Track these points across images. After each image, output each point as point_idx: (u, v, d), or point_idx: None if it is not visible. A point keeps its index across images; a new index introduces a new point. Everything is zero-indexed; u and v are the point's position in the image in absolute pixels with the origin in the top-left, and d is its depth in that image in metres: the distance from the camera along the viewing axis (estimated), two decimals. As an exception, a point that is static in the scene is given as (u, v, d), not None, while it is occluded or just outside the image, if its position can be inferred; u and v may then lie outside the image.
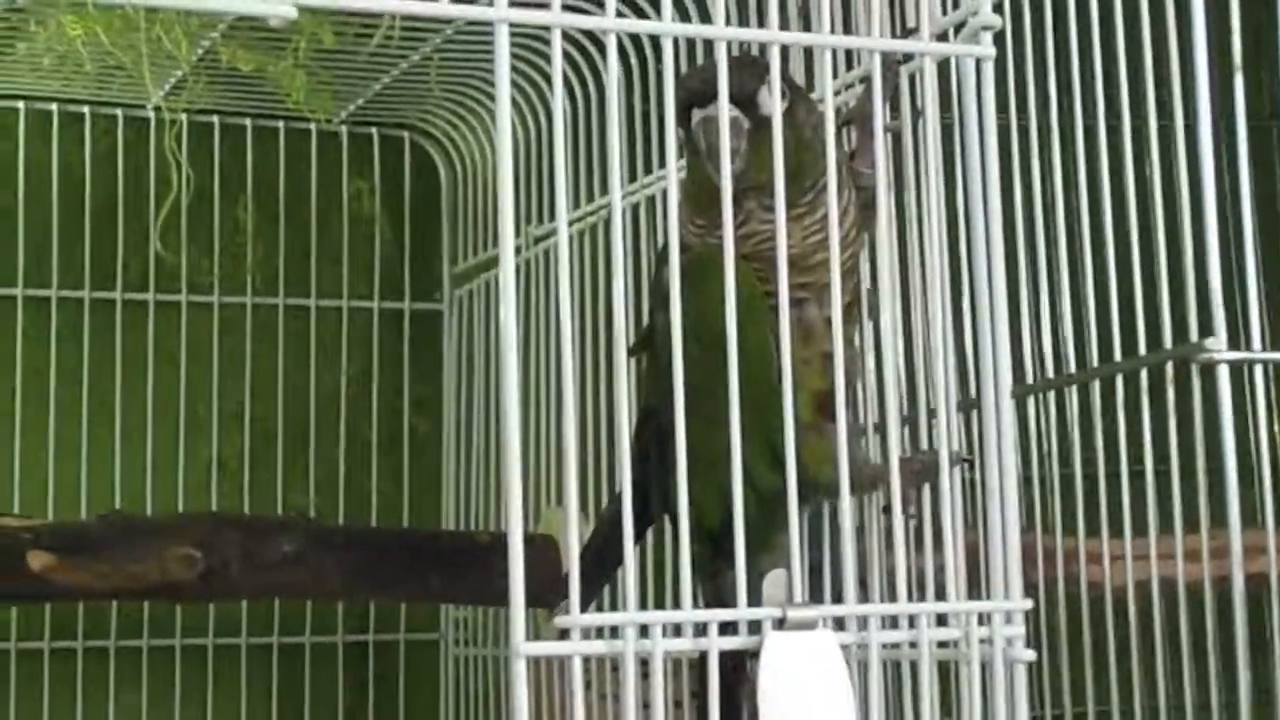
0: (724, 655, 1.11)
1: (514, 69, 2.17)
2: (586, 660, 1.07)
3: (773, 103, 1.17)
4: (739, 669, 1.24)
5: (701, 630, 1.10)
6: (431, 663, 2.39)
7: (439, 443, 2.43)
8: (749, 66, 1.25)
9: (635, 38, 1.86)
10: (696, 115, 1.21)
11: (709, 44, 1.33)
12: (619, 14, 1.13)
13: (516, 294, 2.22)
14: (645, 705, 1.87)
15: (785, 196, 1.14)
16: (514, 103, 2.26)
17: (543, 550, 1.81)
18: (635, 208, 1.93)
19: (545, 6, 1.10)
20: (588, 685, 1.91)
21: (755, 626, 1.12)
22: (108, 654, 2.26)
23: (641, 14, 1.62)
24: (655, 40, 1.72)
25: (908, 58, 1.34)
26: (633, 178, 1.93)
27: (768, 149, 1.16)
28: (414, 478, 2.42)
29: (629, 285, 1.78)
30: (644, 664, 1.73)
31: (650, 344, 1.41)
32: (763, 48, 1.23)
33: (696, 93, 1.22)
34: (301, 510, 2.24)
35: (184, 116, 2.29)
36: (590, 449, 1.90)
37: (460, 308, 2.43)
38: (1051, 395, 1.55)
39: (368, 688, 2.37)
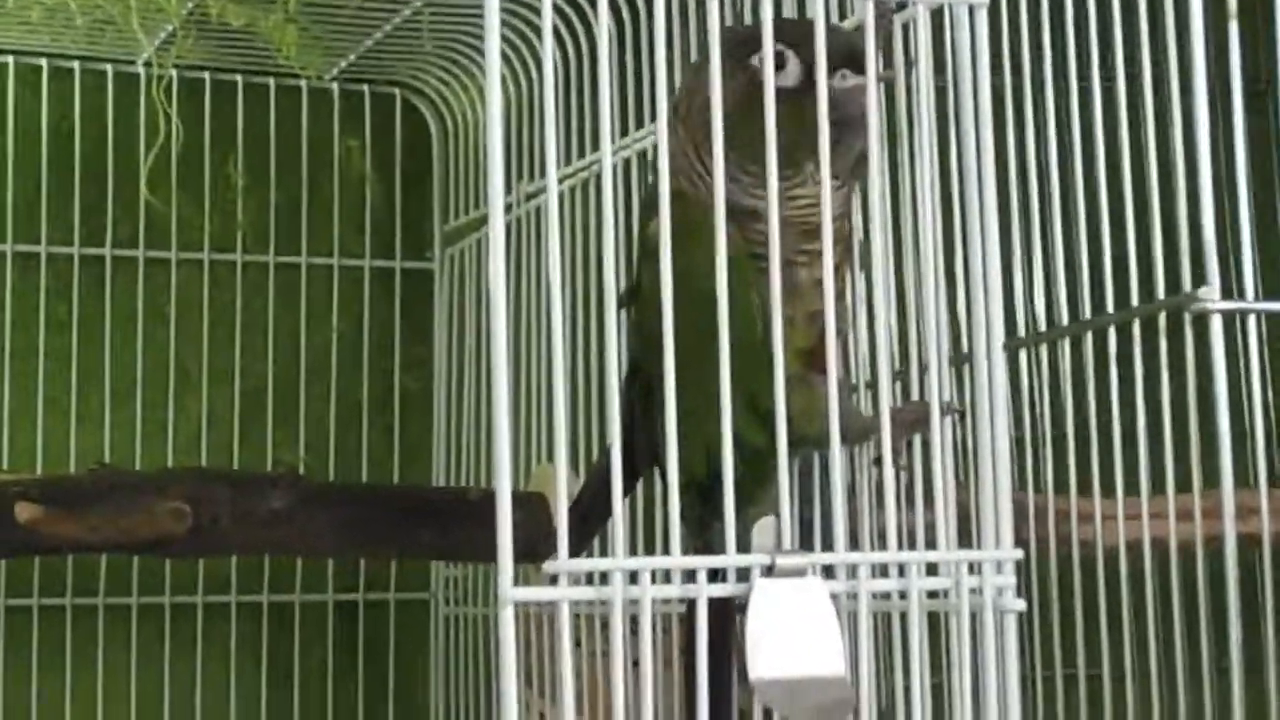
0: (713, 610, 1.10)
1: (504, 25, 2.16)
2: (576, 619, 1.07)
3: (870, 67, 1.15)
4: (728, 621, 1.23)
5: (690, 577, 1.10)
6: (422, 622, 2.40)
7: (430, 401, 2.42)
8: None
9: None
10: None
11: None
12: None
13: (508, 251, 2.22)
14: (635, 663, 1.88)
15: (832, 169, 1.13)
16: (505, 59, 2.25)
17: (532, 506, 1.80)
18: (626, 163, 1.92)
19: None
20: (578, 643, 1.91)
21: (744, 575, 1.11)
22: (96, 610, 2.26)
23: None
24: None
25: (901, 6, 1.33)
26: (623, 133, 1.92)
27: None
28: (404, 436, 2.42)
29: (620, 242, 1.77)
30: (633, 621, 1.73)
31: (636, 298, 1.40)
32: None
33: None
34: (291, 467, 2.24)
35: (174, 72, 2.27)
36: (581, 405, 1.89)
37: (452, 266, 2.43)
38: (1044, 348, 1.55)
39: (358, 646, 2.38)
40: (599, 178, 1.99)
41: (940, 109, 1.23)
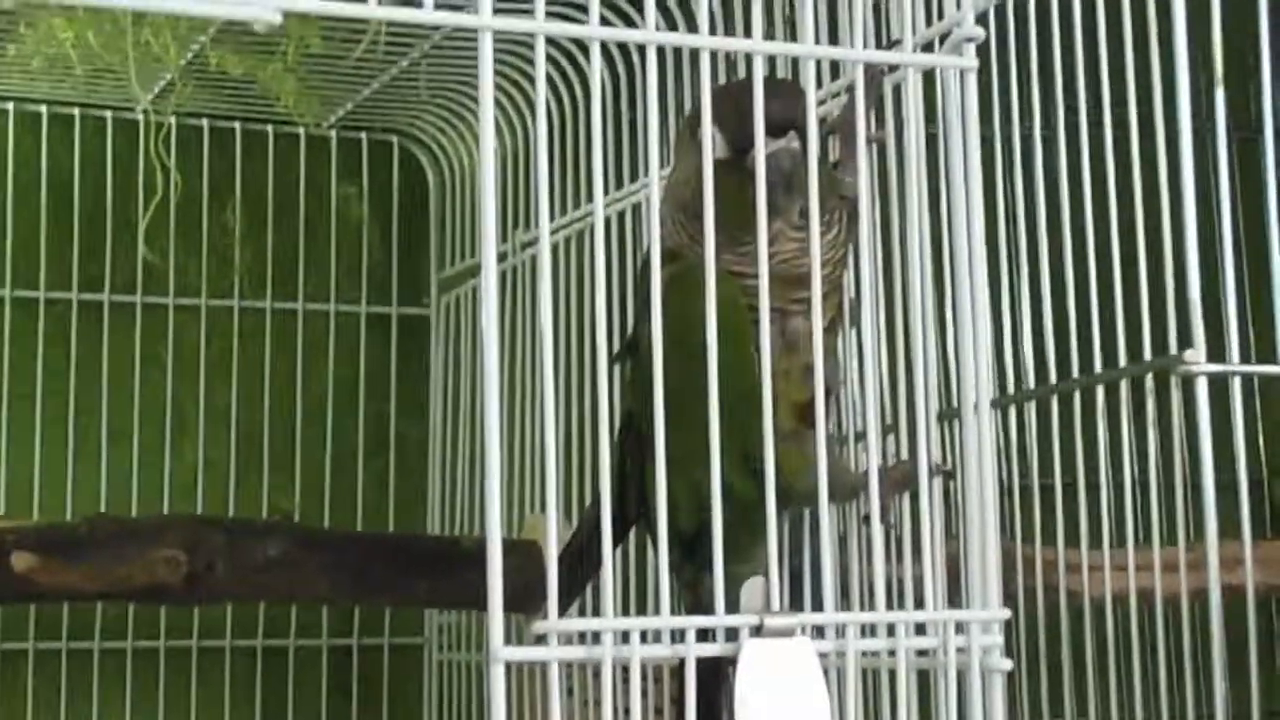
0: (703, 662, 1.11)
1: (499, 75, 2.18)
2: (569, 666, 1.08)
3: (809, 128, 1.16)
4: (719, 676, 1.24)
5: (679, 636, 1.11)
6: (415, 667, 2.40)
7: (425, 447, 2.43)
8: (801, 94, 1.24)
9: (619, 46, 1.87)
10: (770, 144, 1.19)
11: (693, 53, 1.33)
12: (603, 22, 1.14)
13: (502, 300, 2.24)
14: (626, 711, 1.88)
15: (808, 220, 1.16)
16: (500, 108, 2.26)
17: (525, 555, 1.81)
18: (620, 215, 1.94)
19: (530, 14, 1.10)
20: (570, 691, 1.92)
21: (733, 634, 1.12)
22: (91, 655, 2.26)
23: (627, 21, 1.62)
24: (640, 48, 1.73)
25: (892, 68, 1.35)
26: (617, 185, 1.93)
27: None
28: (399, 482, 2.43)
29: (612, 293, 1.79)
30: (625, 670, 1.73)
31: (634, 352, 1.42)
32: (747, 58, 1.23)
33: (774, 122, 1.19)
34: (287, 514, 2.25)
35: (173, 119, 2.29)
36: (574, 455, 1.90)
37: (447, 313, 2.44)
38: (1032, 406, 1.56)
39: (352, 692, 2.38)
40: (590, 231, 2.00)
41: (931, 160, 1.24)
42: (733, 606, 1.14)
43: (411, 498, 2.42)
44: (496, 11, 1.09)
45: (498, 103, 2.27)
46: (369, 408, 2.43)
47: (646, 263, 1.47)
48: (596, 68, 1.12)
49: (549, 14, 1.11)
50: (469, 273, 2.39)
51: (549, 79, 2.05)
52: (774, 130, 1.20)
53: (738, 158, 1.27)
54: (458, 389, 2.37)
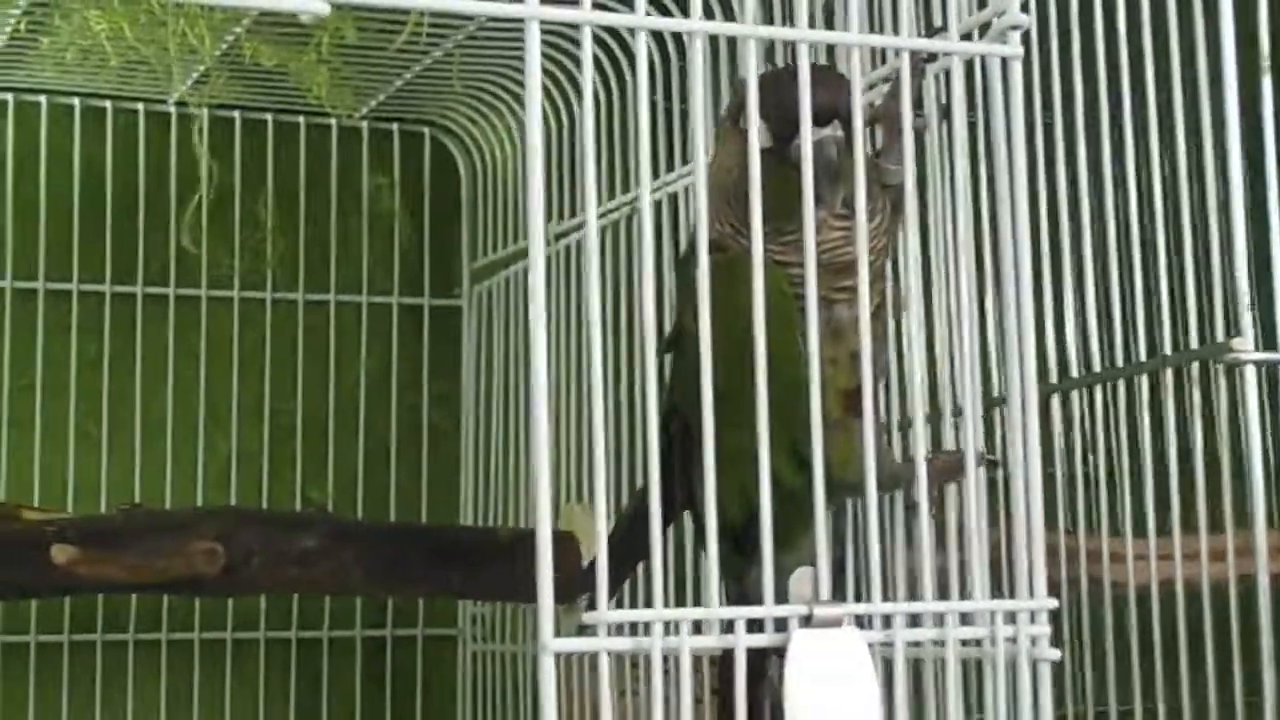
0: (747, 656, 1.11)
1: (545, 67, 2.17)
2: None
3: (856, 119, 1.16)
4: (760, 667, 1.24)
5: (728, 627, 1.10)
6: (449, 658, 2.40)
7: (457, 439, 2.43)
8: (845, 83, 1.24)
9: (662, 35, 1.86)
10: (815, 133, 1.18)
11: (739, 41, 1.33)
12: (647, 12, 1.13)
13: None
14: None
15: (853, 209, 1.17)
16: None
17: (562, 546, 1.80)
18: (657, 204, 1.93)
19: (574, 3, 1.10)
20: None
21: (781, 624, 1.12)
22: (126, 647, 2.27)
23: (669, 11, 1.61)
24: (682, 37, 1.72)
25: (933, 57, 1.34)
26: (652, 176, 1.93)
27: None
28: (432, 474, 2.43)
29: (653, 282, 1.78)
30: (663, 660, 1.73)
31: (677, 343, 1.41)
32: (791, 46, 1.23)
33: (817, 111, 1.18)
34: (321, 505, 2.25)
35: (205, 111, 2.29)
36: (611, 447, 1.90)
37: (479, 304, 2.43)
38: (1076, 394, 1.55)
39: (385, 683, 2.38)
40: (629, 220, 1.99)
41: (974, 147, 1.24)
42: (778, 597, 1.14)
43: (444, 488, 2.42)
44: (542, 1, 1.09)
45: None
46: (401, 399, 2.43)
47: (688, 253, 1.47)
48: (643, 56, 1.12)
49: (594, 3, 1.11)
50: (501, 263, 2.38)
51: (570, 71, 2.05)
52: (817, 119, 1.19)
53: (780, 147, 1.26)
54: (490, 379, 2.37)
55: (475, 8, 1.10)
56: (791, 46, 1.32)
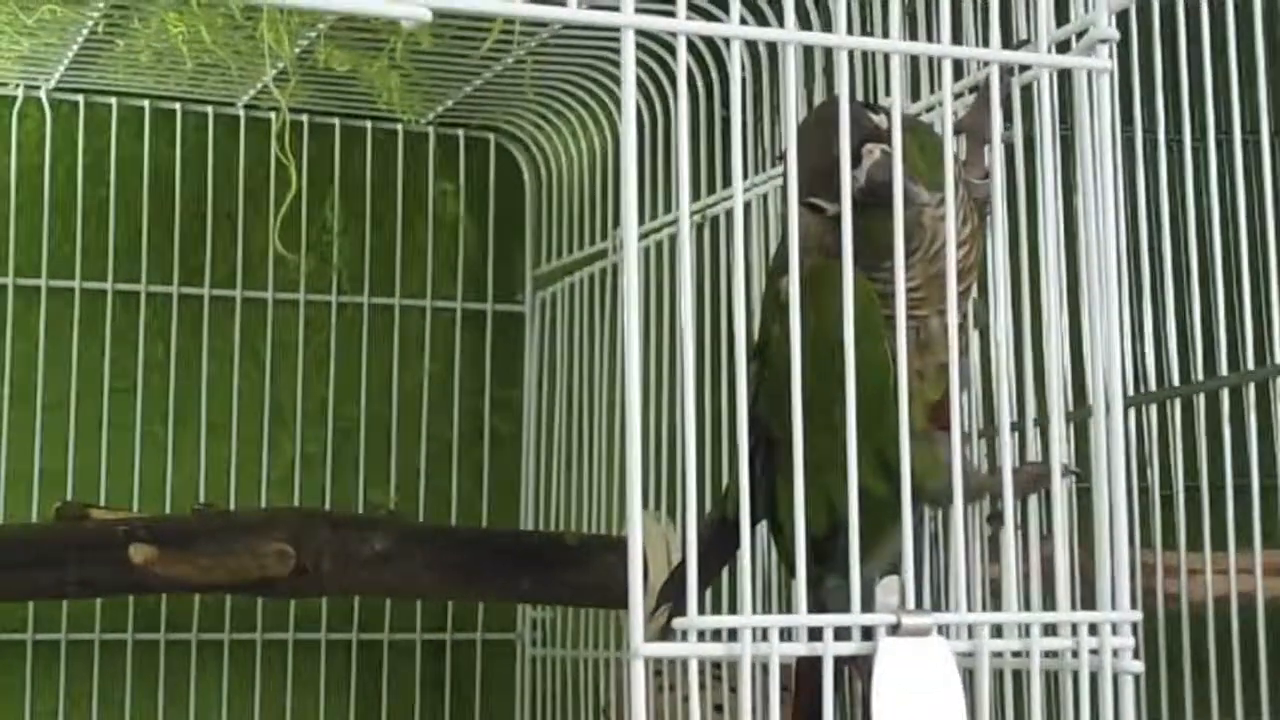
0: (813, 661, 1.11)
1: (603, 73, 2.18)
2: (660, 661, 1.08)
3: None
4: (839, 676, 1.24)
5: (816, 635, 1.11)
6: (508, 662, 2.41)
7: (519, 443, 2.44)
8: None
9: (753, 43, 1.86)
10: (856, 175, 1.17)
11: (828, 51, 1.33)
12: (742, 20, 1.14)
13: (602, 297, 2.24)
14: (718, 708, 1.88)
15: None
16: (601, 106, 2.27)
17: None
18: (747, 205, 1.94)
19: (670, 13, 1.11)
20: (671, 686, 1.92)
21: (867, 633, 1.12)
22: (189, 647, 2.28)
23: (763, 19, 1.62)
24: (773, 45, 1.73)
25: (1023, 68, 1.34)
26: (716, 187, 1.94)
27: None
28: (494, 477, 2.44)
29: (742, 288, 1.78)
30: (716, 666, 1.73)
31: (762, 352, 1.42)
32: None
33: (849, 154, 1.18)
34: (385, 508, 2.26)
35: (273, 116, 2.30)
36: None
37: (542, 309, 2.44)
38: (1153, 408, 1.55)
39: (444, 686, 2.39)
40: (700, 227, 2.00)
41: (1063, 157, 1.24)
42: (864, 605, 1.14)
43: (506, 493, 2.43)
44: (636, 10, 1.10)
45: (599, 100, 2.27)
46: (464, 403, 2.44)
47: (774, 266, 1.47)
48: (737, 64, 1.13)
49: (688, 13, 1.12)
50: (564, 270, 2.39)
51: (654, 75, 2.05)
52: (854, 160, 1.18)
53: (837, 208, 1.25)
54: (553, 386, 2.38)
55: (572, 16, 1.11)
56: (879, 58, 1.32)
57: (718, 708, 1.85)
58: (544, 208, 2.46)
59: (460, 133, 2.46)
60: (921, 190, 1.25)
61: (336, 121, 2.40)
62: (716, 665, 1.75)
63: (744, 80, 1.89)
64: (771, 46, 1.76)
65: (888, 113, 1.23)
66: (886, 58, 1.20)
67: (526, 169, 2.49)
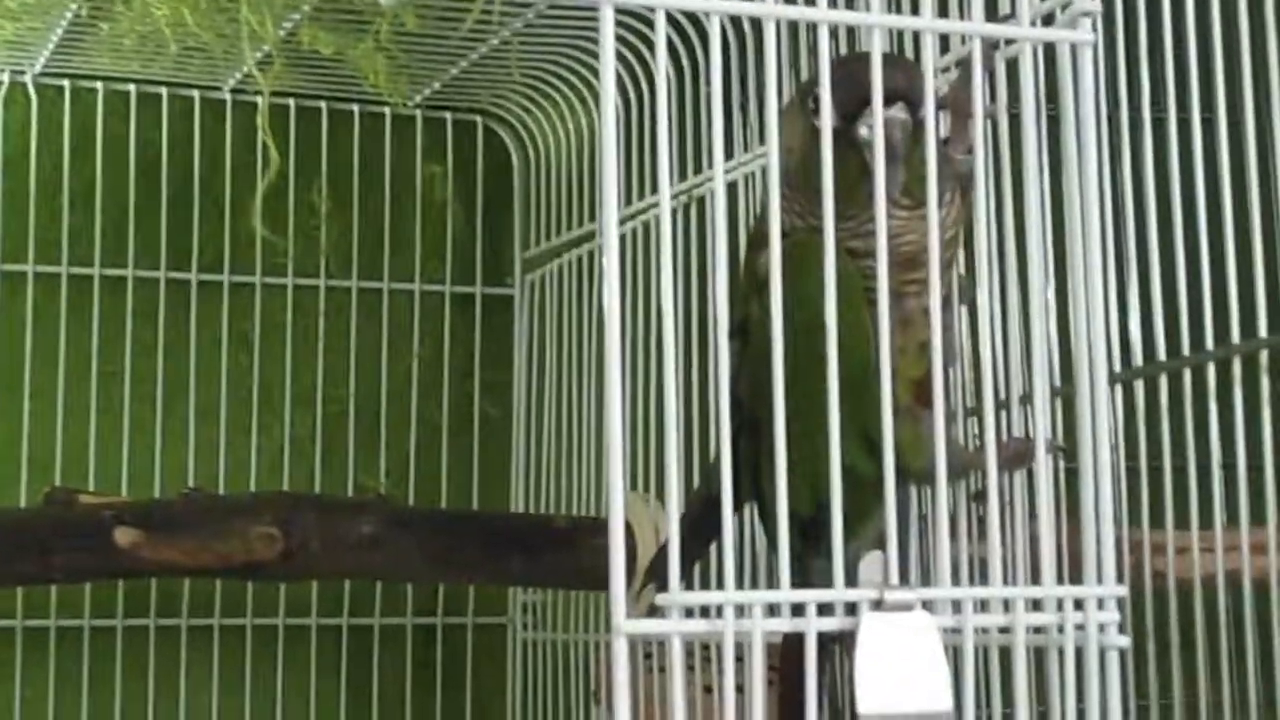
0: (799, 638, 1.11)
1: (597, 54, 2.17)
2: (650, 644, 1.08)
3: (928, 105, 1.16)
4: (821, 654, 1.23)
5: (798, 611, 1.10)
6: (499, 647, 2.41)
7: (509, 426, 2.44)
8: (911, 67, 1.24)
9: (734, 19, 1.86)
10: (883, 113, 1.17)
11: (811, 27, 1.33)
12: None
13: (594, 280, 2.23)
14: (708, 689, 1.88)
15: (914, 196, 1.21)
16: (591, 88, 2.26)
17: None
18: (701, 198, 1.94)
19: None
20: (662, 668, 1.92)
21: (851, 609, 1.12)
22: (179, 632, 2.28)
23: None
24: (754, 22, 1.72)
25: (1007, 42, 1.33)
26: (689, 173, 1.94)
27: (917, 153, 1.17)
28: (484, 460, 2.43)
29: (723, 269, 1.78)
30: (704, 649, 1.72)
31: (743, 331, 1.41)
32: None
33: (885, 91, 1.17)
34: (375, 491, 2.26)
35: (259, 99, 2.30)
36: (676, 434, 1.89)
37: (531, 292, 2.44)
38: (1140, 383, 1.55)
39: (435, 670, 2.39)
40: (687, 206, 1.99)
41: (1054, 135, 1.23)
42: (849, 582, 1.13)
43: (495, 476, 2.43)
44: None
45: (586, 82, 2.26)
46: (453, 386, 2.44)
47: (752, 239, 1.47)
48: (716, 40, 1.12)
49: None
50: (553, 252, 2.39)
51: (638, 54, 2.04)
52: (883, 99, 1.18)
53: (844, 126, 1.25)
54: (542, 368, 2.38)
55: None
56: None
57: (708, 689, 1.85)
58: (532, 190, 2.46)
59: (448, 116, 2.46)
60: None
61: (323, 105, 2.40)
62: (706, 647, 1.75)
63: (725, 59, 1.89)
64: (754, 24, 1.76)
65: (906, 72, 1.23)
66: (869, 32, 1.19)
67: (515, 151, 2.48)
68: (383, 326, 2.42)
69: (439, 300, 2.45)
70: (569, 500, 2.26)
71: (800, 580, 1.40)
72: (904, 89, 1.24)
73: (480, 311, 2.47)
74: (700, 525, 1.34)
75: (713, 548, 1.46)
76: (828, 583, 1.13)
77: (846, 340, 1.13)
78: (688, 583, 1.58)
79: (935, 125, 1.19)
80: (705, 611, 1.09)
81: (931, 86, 1.18)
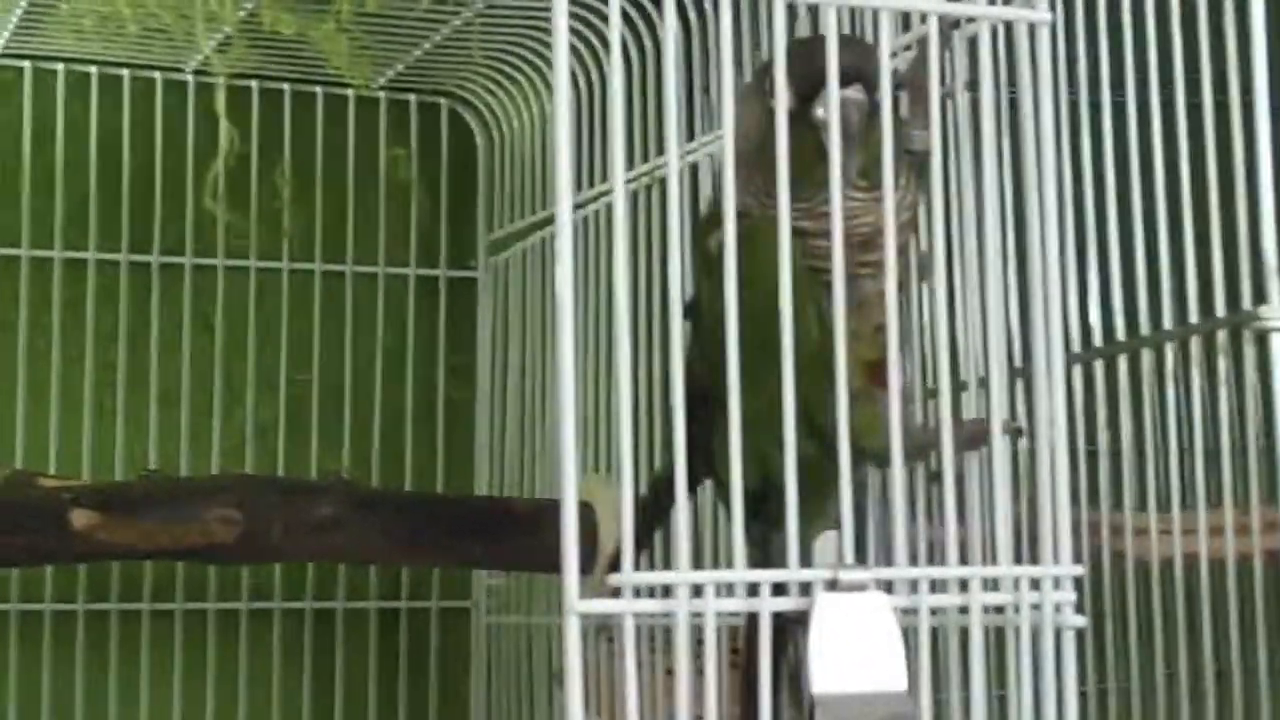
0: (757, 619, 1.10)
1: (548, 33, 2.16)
2: (613, 628, 1.07)
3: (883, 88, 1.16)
4: (779, 635, 1.23)
5: (753, 591, 1.10)
6: (463, 630, 2.40)
7: (473, 409, 2.43)
8: (868, 48, 1.24)
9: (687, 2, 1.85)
10: (838, 94, 1.17)
11: (768, 5, 1.32)
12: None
13: (552, 264, 2.22)
14: (669, 672, 1.88)
15: (869, 179, 1.21)
16: (552, 67, 2.25)
17: (582, 517, 1.80)
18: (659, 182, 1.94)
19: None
20: (611, 640, 1.91)
21: (805, 589, 1.12)
22: (140, 616, 2.27)
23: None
24: (712, 1, 1.72)
25: (959, 22, 1.33)
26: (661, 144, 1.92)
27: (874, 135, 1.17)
28: (448, 444, 2.43)
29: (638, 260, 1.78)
30: (665, 632, 1.72)
31: (694, 312, 1.41)
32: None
33: (840, 71, 1.17)
34: (337, 474, 2.25)
35: (222, 80, 2.28)
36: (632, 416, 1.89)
37: (496, 275, 2.43)
38: (1099, 364, 1.55)
39: (399, 654, 2.38)
40: (648, 190, 1.99)
41: (1013, 119, 1.23)
42: (803, 562, 1.13)
43: (459, 460, 2.43)
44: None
45: (549, 65, 2.26)
46: (417, 370, 2.43)
47: (704, 222, 1.46)
48: (670, 19, 1.12)
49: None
50: (517, 235, 2.38)
51: (592, 42, 2.04)
52: (840, 80, 1.18)
53: (800, 107, 1.25)
54: (506, 351, 2.37)
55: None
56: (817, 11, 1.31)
57: (669, 672, 1.84)
58: (497, 173, 2.45)
59: (412, 98, 2.45)
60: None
61: (286, 87, 2.38)
62: (669, 631, 1.74)
63: (687, 40, 1.89)
64: (712, 4, 1.75)
65: (863, 54, 1.23)
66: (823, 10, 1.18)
67: (479, 134, 2.47)
68: (346, 310, 2.41)
69: (403, 283, 2.44)
70: (533, 483, 2.26)
71: (760, 560, 1.41)
72: (860, 70, 1.23)
73: (444, 294, 2.46)
74: (660, 504, 1.34)
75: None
76: (784, 563, 1.13)
77: (792, 324, 1.12)
78: (651, 563, 1.59)
79: (893, 106, 1.19)
80: (666, 592, 1.09)
81: (888, 67, 1.18)
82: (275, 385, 2.36)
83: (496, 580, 2.36)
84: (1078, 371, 1.56)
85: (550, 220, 2.28)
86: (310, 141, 2.40)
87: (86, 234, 2.30)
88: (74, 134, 2.30)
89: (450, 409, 2.44)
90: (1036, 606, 1.17)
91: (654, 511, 1.45)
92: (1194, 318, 1.41)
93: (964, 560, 1.20)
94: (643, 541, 1.49)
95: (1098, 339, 1.56)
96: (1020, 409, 1.51)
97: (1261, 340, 1.30)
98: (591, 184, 2.11)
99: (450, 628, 2.41)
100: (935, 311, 1.22)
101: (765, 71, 1.32)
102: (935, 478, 1.39)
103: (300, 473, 2.32)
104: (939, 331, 1.20)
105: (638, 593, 1.08)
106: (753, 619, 1.12)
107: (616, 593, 1.09)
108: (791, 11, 1.28)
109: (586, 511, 1.86)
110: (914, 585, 1.14)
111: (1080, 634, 1.18)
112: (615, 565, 1.49)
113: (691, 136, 1.91)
